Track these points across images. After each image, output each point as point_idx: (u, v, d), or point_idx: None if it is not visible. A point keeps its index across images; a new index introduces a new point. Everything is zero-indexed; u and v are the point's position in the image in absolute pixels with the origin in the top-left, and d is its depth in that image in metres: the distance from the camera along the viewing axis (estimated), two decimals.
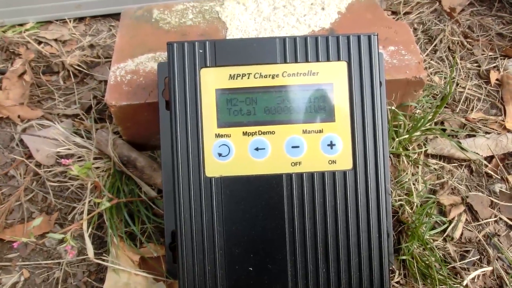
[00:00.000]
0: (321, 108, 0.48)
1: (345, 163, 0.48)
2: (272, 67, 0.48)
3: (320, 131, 0.48)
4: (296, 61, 0.48)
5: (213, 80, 0.48)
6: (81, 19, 0.98)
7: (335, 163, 0.48)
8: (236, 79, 0.48)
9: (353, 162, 0.48)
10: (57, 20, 0.96)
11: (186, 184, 0.48)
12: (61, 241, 0.55)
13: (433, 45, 0.83)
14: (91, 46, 0.90)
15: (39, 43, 0.90)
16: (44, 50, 0.87)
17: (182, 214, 0.48)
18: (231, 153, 0.48)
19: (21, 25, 0.94)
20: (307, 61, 0.48)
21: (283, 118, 0.48)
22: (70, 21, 0.96)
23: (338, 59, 0.48)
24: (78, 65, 0.84)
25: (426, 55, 0.81)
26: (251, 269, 0.48)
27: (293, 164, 0.48)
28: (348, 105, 0.48)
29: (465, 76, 0.80)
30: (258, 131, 0.48)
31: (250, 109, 0.48)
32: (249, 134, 0.48)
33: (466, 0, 0.92)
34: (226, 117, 0.48)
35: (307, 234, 0.47)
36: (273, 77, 0.48)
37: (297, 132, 0.48)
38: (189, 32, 0.68)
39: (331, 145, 0.48)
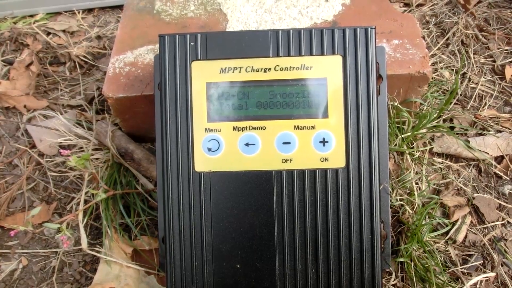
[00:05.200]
0: (314, 104, 0.46)
1: (337, 161, 0.46)
2: (264, 60, 0.47)
3: (313, 128, 0.46)
4: (289, 55, 0.46)
5: (204, 74, 0.47)
6: (90, 10, 0.98)
7: (327, 160, 0.46)
8: (228, 72, 0.47)
9: (346, 160, 0.46)
10: (66, 11, 0.97)
11: (175, 178, 0.47)
12: (59, 231, 0.56)
13: (445, 38, 0.79)
14: (98, 37, 0.91)
15: (48, 34, 0.91)
16: (52, 41, 0.88)
17: (171, 209, 0.47)
18: (221, 148, 0.47)
19: (31, 16, 0.95)
20: (300, 55, 0.46)
21: (275, 113, 0.47)
22: (79, 12, 0.96)
23: (333, 53, 0.46)
24: (84, 56, 0.85)
25: (437, 49, 0.78)
26: (238, 266, 0.47)
27: (283, 160, 0.47)
28: (342, 101, 0.46)
29: (478, 71, 0.76)
30: (249, 126, 0.47)
31: (241, 103, 0.47)
32: (240, 129, 0.47)
33: None
34: (217, 111, 0.47)
35: (296, 233, 0.46)
36: (265, 71, 0.47)
37: (288, 128, 0.47)
38: (189, 24, 0.67)
39: (324, 142, 0.46)
